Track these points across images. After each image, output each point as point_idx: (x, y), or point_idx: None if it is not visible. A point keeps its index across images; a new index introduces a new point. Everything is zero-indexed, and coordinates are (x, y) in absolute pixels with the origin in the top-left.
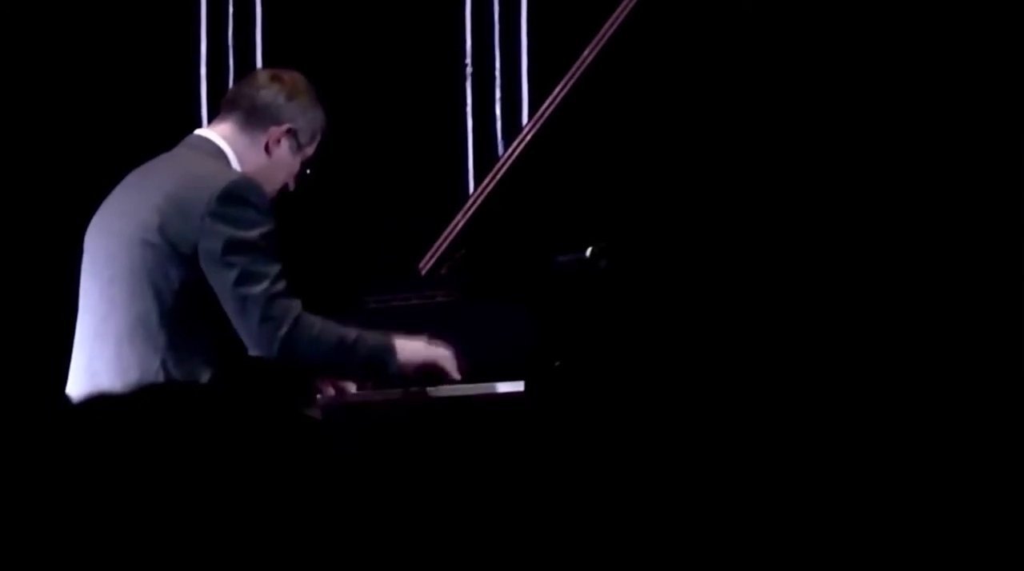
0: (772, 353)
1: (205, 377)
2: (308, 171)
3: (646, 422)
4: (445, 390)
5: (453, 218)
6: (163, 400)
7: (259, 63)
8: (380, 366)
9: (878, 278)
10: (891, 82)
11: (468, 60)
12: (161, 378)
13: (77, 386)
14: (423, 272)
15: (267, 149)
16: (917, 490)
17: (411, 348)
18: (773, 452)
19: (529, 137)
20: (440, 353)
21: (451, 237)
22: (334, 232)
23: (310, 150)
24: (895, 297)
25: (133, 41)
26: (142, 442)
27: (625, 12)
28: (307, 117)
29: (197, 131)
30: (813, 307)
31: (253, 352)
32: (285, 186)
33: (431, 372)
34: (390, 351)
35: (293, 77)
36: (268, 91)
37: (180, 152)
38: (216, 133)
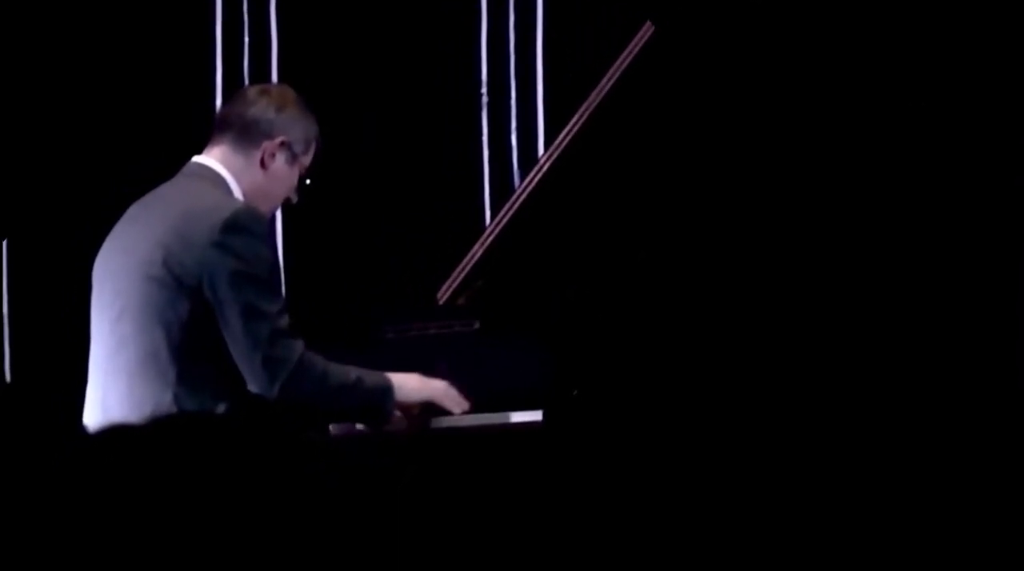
0: (788, 372)
1: (218, 408)
2: (308, 181)
3: (664, 451)
4: (462, 420)
5: (470, 248)
6: (177, 432)
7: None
8: (379, 407)
9: (893, 291)
10: (893, 100)
11: (484, 89)
12: (174, 411)
13: (93, 420)
14: (441, 302)
15: (263, 164)
16: (924, 494)
17: (408, 387)
18: (792, 477)
19: (545, 167)
20: (436, 388)
21: (468, 267)
22: (353, 261)
23: (306, 160)
24: (906, 306)
25: (148, 61)
26: (158, 474)
27: (641, 43)
28: (299, 127)
29: (194, 158)
30: (833, 331)
31: (253, 391)
32: (288, 200)
33: (430, 408)
34: (389, 391)
35: (280, 89)
36: (257, 107)
37: (179, 182)
38: (212, 158)
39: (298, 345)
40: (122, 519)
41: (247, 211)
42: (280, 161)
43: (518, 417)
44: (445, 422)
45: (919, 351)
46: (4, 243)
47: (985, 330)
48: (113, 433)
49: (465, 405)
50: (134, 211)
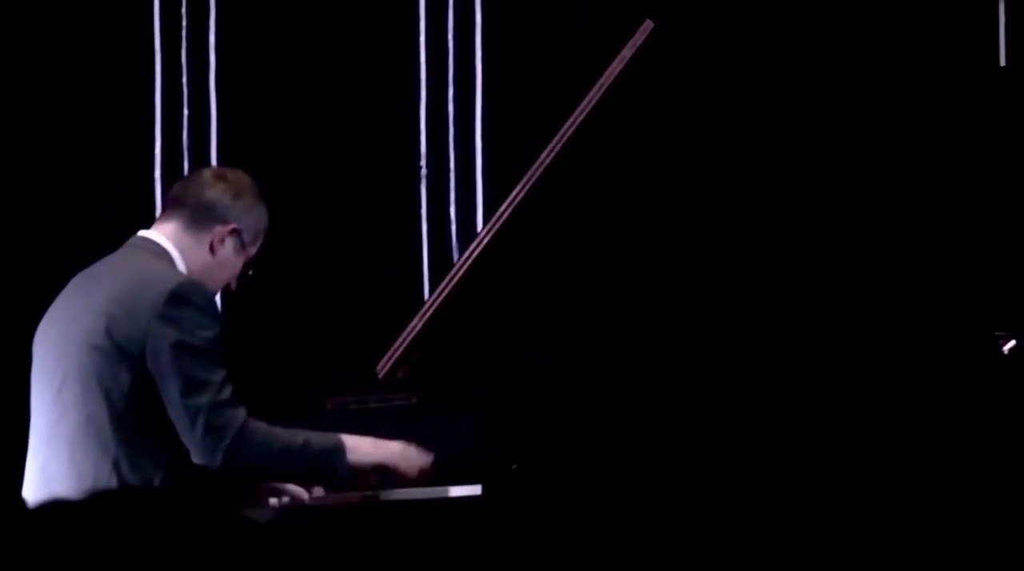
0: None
1: (158, 478)
2: (250, 272)
3: (609, 527)
4: (397, 494)
5: (410, 322)
6: (115, 507)
7: (213, 156)
8: (328, 469)
9: (892, 293)
10: (889, 100)
11: (423, 162)
12: (114, 482)
13: (33, 491)
14: (380, 375)
15: (212, 249)
16: (925, 494)
17: (362, 449)
18: (772, 518)
19: (485, 241)
20: (392, 451)
21: (407, 341)
22: (293, 332)
23: (253, 249)
24: (905, 306)
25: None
26: (97, 550)
27: (583, 115)
28: (251, 217)
29: (140, 232)
30: (829, 355)
31: (196, 461)
32: (227, 286)
33: (385, 471)
34: (339, 452)
35: (237, 176)
36: (213, 190)
37: (125, 253)
38: (160, 233)
39: (240, 412)
40: None
41: (192, 283)
42: (229, 247)
43: (457, 491)
44: (388, 495)
45: (920, 352)
46: None
47: (986, 330)
48: (54, 508)
49: (424, 465)
50: (77, 281)
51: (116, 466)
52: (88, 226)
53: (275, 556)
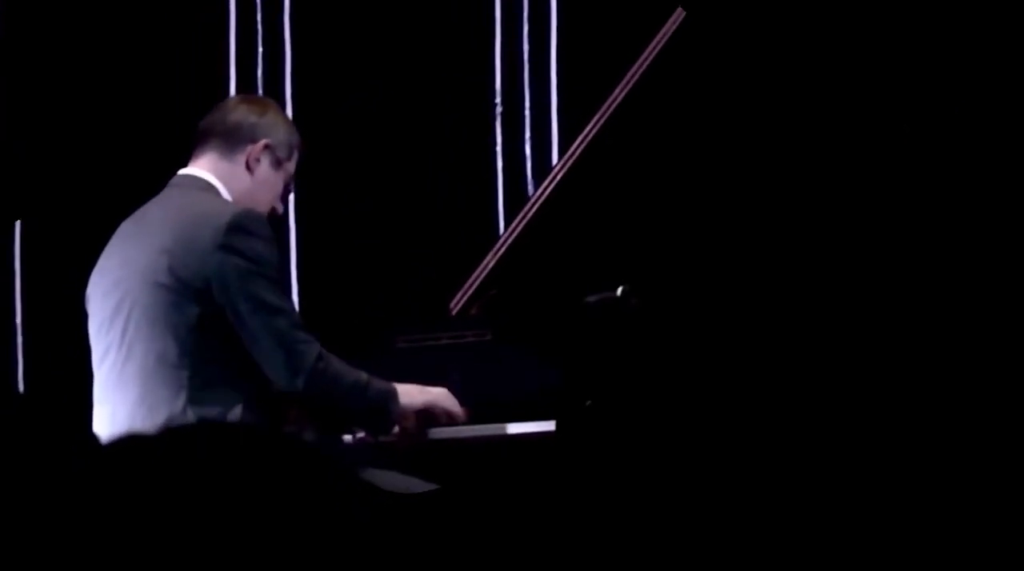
0: (801, 380)
1: (232, 411)
2: (291, 190)
3: (676, 463)
4: (458, 431)
5: (483, 258)
6: (191, 440)
7: (288, 95)
8: (383, 411)
9: (903, 296)
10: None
11: (498, 99)
12: (190, 416)
13: (104, 432)
14: (453, 312)
15: (249, 168)
16: (932, 497)
17: (410, 392)
18: (808, 485)
19: (559, 177)
20: (437, 396)
21: (481, 277)
22: (366, 270)
23: (291, 166)
24: (915, 309)
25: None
26: (174, 482)
27: (655, 51)
28: (281, 131)
29: (180, 171)
30: (845, 345)
31: (278, 382)
32: (274, 211)
33: (430, 416)
34: (393, 396)
35: (260, 98)
36: (238, 112)
37: (171, 193)
38: (199, 168)
39: (315, 340)
40: (138, 528)
41: (248, 213)
42: (265, 165)
43: (514, 428)
44: (441, 433)
45: (925, 354)
46: (17, 251)
47: (986, 330)
48: (128, 441)
49: (462, 415)
50: (126, 228)
51: (189, 401)
52: (162, 168)
53: (350, 493)
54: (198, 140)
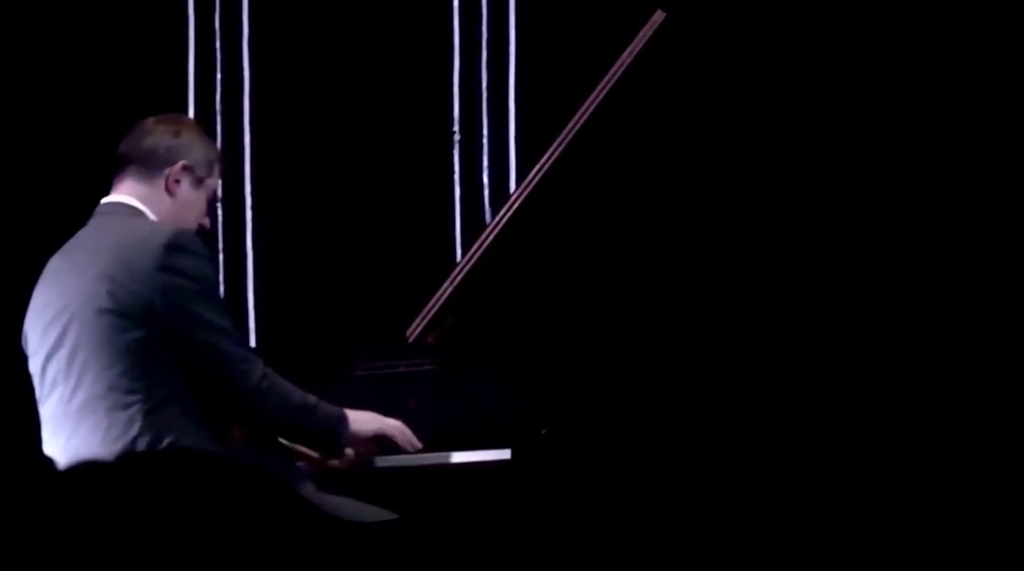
0: (779, 395)
1: (187, 433)
2: (217, 203)
3: (635, 491)
4: (401, 459)
5: (440, 286)
6: (146, 466)
7: (247, 121)
8: (332, 434)
9: (897, 294)
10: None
11: (456, 127)
12: (146, 442)
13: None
14: (410, 340)
15: (169, 191)
16: (930, 497)
17: (362, 419)
18: (775, 508)
19: (516, 205)
20: (391, 425)
21: (437, 305)
22: (324, 298)
23: (212, 182)
24: (910, 307)
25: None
26: (134, 510)
27: (614, 78)
28: (197, 150)
29: (104, 199)
30: (828, 354)
31: (230, 400)
32: (201, 227)
33: (382, 443)
34: (343, 420)
35: (176, 117)
36: (152, 136)
37: (100, 222)
38: (122, 194)
39: (258, 359)
40: (97, 555)
41: (183, 232)
42: (185, 185)
43: (459, 457)
44: (386, 461)
45: (922, 353)
46: None
47: (986, 331)
48: (86, 468)
49: (417, 444)
50: (56, 263)
51: (144, 427)
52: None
53: (299, 513)
54: (117, 166)
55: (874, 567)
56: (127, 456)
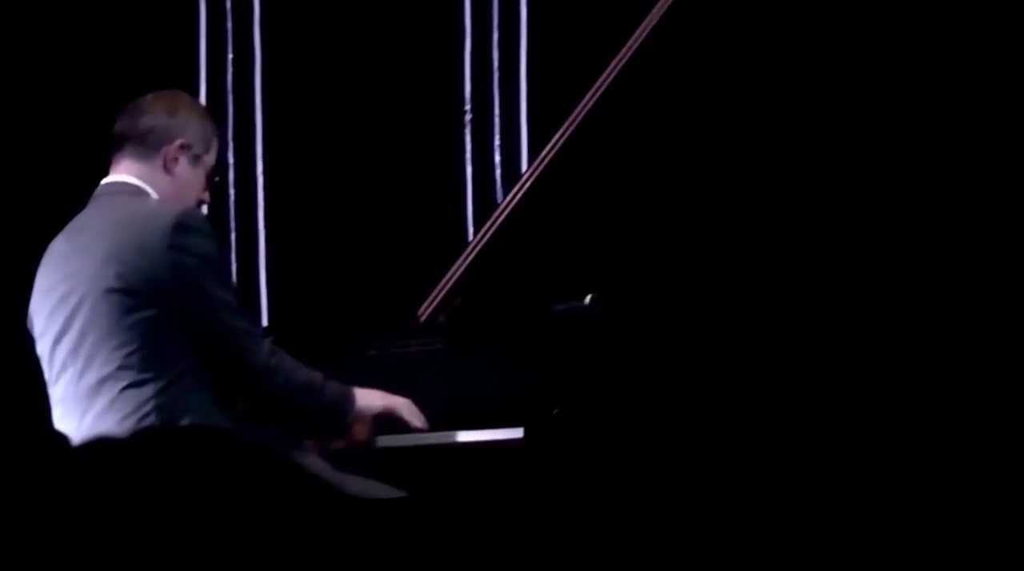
0: (775, 391)
1: (201, 409)
2: (217, 179)
3: (647, 470)
4: (406, 439)
5: (452, 265)
6: (161, 443)
7: (258, 100)
8: (339, 411)
9: (899, 295)
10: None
11: (467, 106)
12: (156, 420)
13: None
14: (421, 319)
15: (167, 169)
16: (932, 500)
17: (369, 397)
18: (787, 496)
19: (528, 184)
20: (398, 402)
21: (449, 285)
22: (335, 277)
23: (210, 158)
24: (912, 308)
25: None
26: (147, 487)
27: (625, 59)
28: (194, 127)
29: (104, 180)
30: (820, 351)
31: (241, 378)
32: (201, 202)
33: (389, 422)
34: (349, 399)
35: (172, 93)
36: (149, 115)
37: (103, 202)
38: (122, 174)
39: (265, 335)
40: (109, 531)
41: (189, 210)
42: (183, 163)
43: (464, 437)
44: (391, 441)
45: (924, 354)
46: None
47: (987, 331)
48: (99, 445)
49: (424, 421)
50: (60, 246)
51: (157, 406)
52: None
53: (316, 497)
54: (114, 146)
55: (877, 564)
56: (142, 432)
